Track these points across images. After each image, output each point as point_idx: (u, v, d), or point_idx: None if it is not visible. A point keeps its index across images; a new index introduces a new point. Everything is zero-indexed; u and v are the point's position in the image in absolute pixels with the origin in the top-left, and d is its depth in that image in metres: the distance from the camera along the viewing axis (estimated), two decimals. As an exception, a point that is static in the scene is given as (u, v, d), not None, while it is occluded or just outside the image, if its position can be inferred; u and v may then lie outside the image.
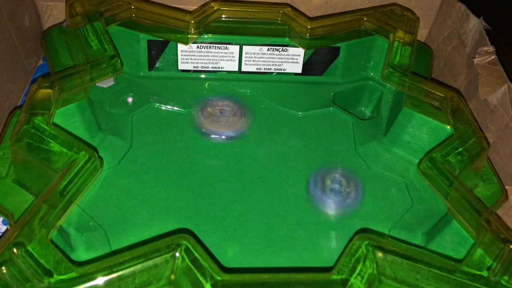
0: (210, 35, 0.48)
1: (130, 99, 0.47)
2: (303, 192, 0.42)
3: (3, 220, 0.41)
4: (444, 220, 0.38)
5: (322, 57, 0.50)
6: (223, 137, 0.46)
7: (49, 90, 0.38)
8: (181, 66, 0.49)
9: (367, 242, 0.30)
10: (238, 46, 0.49)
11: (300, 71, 0.51)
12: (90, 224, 0.37)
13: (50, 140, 0.35)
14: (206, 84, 0.50)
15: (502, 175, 0.43)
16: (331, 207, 0.41)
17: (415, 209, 0.41)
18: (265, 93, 0.50)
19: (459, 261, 0.32)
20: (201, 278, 0.28)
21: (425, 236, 0.38)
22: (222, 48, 0.49)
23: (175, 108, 0.48)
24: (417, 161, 0.43)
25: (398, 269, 0.30)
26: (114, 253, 0.36)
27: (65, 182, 0.33)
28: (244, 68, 0.50)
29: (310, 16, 0.50)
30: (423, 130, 0.43)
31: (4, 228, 0.40)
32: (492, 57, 0.47)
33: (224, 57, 0.49)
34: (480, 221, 0.33)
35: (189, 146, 0.45)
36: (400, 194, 0.42)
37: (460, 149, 0.39)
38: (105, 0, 0.46)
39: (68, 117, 0.40)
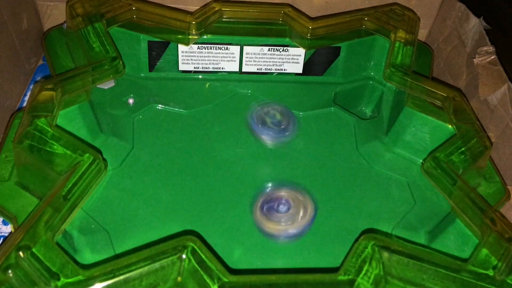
0: (210, 36, 0.48)
1: (131, 100, 0.47)
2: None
3: (3, 220, 0.40)
4: (447, 219, 0.38)
5: (322, 57, 0.50)
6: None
7: (51, 92, 0.38)
8: (181, 67, 0.49)
9: (373, 242, 0.30)
10: (239, 47, 0.49)
11: (300, 71, 0.51)
12: (93, 226, 0.37)
13: (54, 142, 0.35)
14: (207, 85, 0.50)
15: (502, 175, 0.43)
16: None
17: (417, 208, 0.41)
18: (266, 93, 0.50)
19: (463, 260, 0.32)
20: (208, 280, 0.28)
21: (429, 235, 0.38)
22: (223, 48, 0.49)
23: (176, 108, 0.48)
24: (419, 160, 0.44)
25: (404, 269, 0.30)
26: (117, 255, 0.36)
27: (70, 185, 0.33)
28: (244, 69, 0.50)
29: (311, 16, 0.50)
30: (424, 130, 0.43)
31: (4, 228, 0.40)
32: (492, 57, 0.47)
33: (224, 58, 0.49)
34: (485, 220, 0.33)
35: (190, 146, 0.45)
36: (402, 194, 0.42)
37: (463, 148, 0.39)
38: (106, 1, 0.46)
39: (69, 119, 0.40)
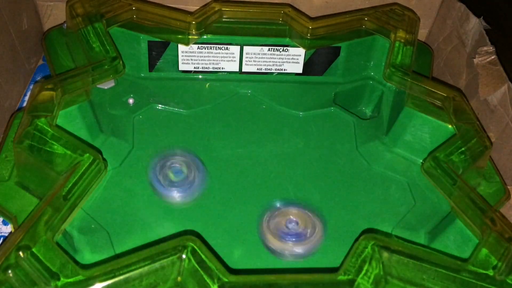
0: (210, 36, 0.48)
1: (131, 100, 0.47)
2: (306, 192, 0.42)
3: (3, 220, 0.40)
4: (447, 219, 0.38)
5: (322, 57, 0.50)
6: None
7: (51, 92, 0.38)
8: (181, 67, 0.49)
9: (373, 242, 0.30)
10: (239, 47, 0.49)
11: (300, 71, 0.51)
12: (93, 226, 0.37)
13: (54, 142, 0.35)
14: (207, 85, 0.50)
15: (502, 175, 0.43)
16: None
17: (417, 208, 0.41)
18: (266, 93, 0.50)
19: (463, 260, 0.32)
20: (208, 280, 0.28)
21: (428, 235, 0.38)
22: (223, 48, 0.49)
23: (176, 108, 0.48)
24: (419, 160, 0.44)
25: (404, 269, 0.30)
26: (117, 255, 0.36)
27: (70, 185, 0.33)
28: (244, 69, 0.50)
29: (311, 16, 0.50)
30: (424, 130, 0.43)
31: (4, 228, 0.40)
32: (492, 57, 0.47)
33: (224, 58, 0.49)
34: (485, 220, 0.33)
35: (190, 146, 0.45)
36: (402, 194, 0.42)
37: (463, 148, 0.39)
38: (106, 1, 0.46)
39: (69, 119, 0.40)
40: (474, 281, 0.30)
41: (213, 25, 0.48)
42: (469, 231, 0.36)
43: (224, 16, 0.48)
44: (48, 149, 0.35)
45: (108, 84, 0.44)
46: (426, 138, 0.43)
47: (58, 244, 0.30)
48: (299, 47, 0.49)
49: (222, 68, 0.50)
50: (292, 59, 0.50)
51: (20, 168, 0.38)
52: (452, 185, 0.36)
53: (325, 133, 0.48)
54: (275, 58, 0.50)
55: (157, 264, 0.29)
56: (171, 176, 0.41)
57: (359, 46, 0.50)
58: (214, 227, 0.39)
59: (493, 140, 0.45)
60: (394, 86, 0.46)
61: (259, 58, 0.49)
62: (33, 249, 0.29)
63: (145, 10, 0.47)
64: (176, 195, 0.40)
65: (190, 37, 0.47)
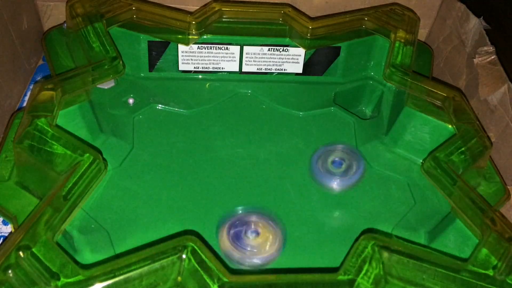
0: (210, 36, 0.48)
1: (131, 100, 0.47)
2: (306, 192, 0.42)
3: (3, 220, 0.40)
4: (447, 219, 0.38)
5: (322, 57, 0.50)
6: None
7: (51, 92, 0.38)
8: (181, 67, 0.49)
9: (373, 242, 0.30)
10: (239, 47, 0.49)
11: (300, 71, 0.51)
12: (93, 226, 0.37)
13: (54, 142, 0.35)
14: (207, 85, 0.50)
15: (502, 175, 0.43)
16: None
17: (417, 208, 0.41)
18: (266, 93, 0.50)
19: (463, 260, 0.32)
20: (208, 280, 0.28)
21: (428, 235, 0.38)
22: (223, 48, 0.49)
23: (176, 108, 0.48)
24: (419, 160, 0.44)
25: (404, 269, 0.30)
26: (117, 255, 0.36)
27: (70, 185, 0.33)
28: (244, 69, 0.50)
29: (311, 16, 0.50)
30: (424, 130, 0.43)
31: (4, 228, 0.40)
32: (492, 57, 0.47)
33: (224, 58, 0.49)
34: (485, 220, 0.33)
35: (190, 146, 0.45)
36: (402, 194, 0.42)
37: (463, 148, 0.39)
38: (106, 1, 0.46)
39: (69, 119, 0.40)
40: (474, 281, 0.30)
41: (213, 25, 0.48)
42: (469, 231, 0.36)
43: (224, 16, 0.48)
44: (48, 149, 0.35)
45: (108, 84, 0.45)
46: (426, 138, 0.43)
47: (58, 244, 0.30)
48: (299, 47, 0.49)
49: (222, 68, 0.50)
50: (292, 59, 0.50)
51: (20, 168, 0.38)
52: (452, 185, 0.36)
53: (325, 133, 0.48)
54: (275, 58, 0.50)
55: (157, 264, 0.29)
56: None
57: (359, 46, 0.50)
58: (213, 227, 0.39)
59: (493, 140, 0.45)
60: (394, 86, 0.46)
61: (259, 58, 0.49)
62: (33, 249, 0.29)
63: (145, 10, 0.47)
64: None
65: (190, 37, 0.47)
